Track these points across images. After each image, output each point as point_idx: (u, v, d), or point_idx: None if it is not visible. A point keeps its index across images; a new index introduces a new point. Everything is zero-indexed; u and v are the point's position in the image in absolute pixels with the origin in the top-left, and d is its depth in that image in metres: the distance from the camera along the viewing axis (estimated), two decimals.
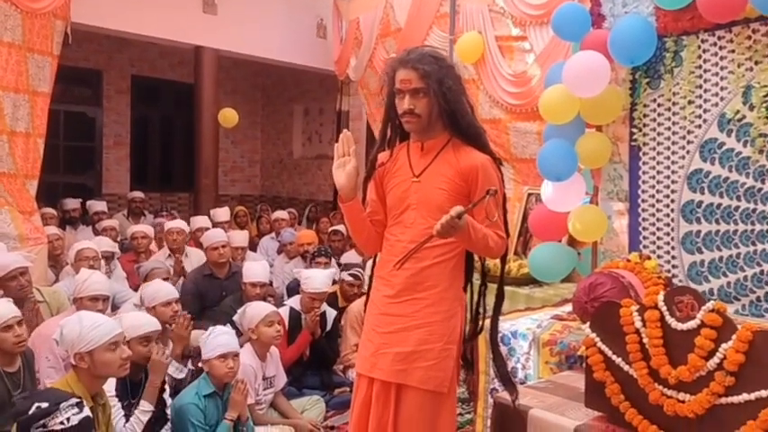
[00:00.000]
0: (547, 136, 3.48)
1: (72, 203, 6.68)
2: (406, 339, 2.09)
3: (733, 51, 2.83)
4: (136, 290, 4.49)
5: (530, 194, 4.46)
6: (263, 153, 11.05)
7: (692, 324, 1.67)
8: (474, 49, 4.82)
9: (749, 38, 2.77)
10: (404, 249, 2.10)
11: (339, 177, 2.08)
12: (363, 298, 2.51)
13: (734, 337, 1.59)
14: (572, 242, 3.70)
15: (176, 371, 3.34)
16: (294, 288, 4.60)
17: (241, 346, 3.32)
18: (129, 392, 2.84)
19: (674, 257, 3.06)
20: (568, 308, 2.89)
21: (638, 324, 1.78)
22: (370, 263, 2.68)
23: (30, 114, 4.85)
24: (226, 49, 7.34)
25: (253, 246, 6.64)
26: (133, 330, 2.72)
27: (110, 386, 2.67)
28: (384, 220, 2.23)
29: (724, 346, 1.60)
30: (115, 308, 4.06)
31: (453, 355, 2.15)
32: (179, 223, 5.41)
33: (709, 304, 1.65)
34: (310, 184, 9.99)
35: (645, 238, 3.17)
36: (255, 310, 3.46)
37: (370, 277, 2.35)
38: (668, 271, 3.04)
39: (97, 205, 6.78)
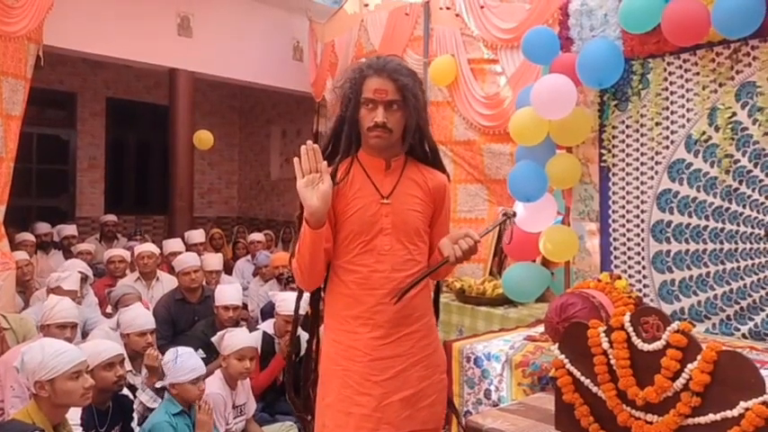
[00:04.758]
0: (518, 157, 3.51)
1: (43, 227, 6.57)
2: (407, 381, 1.89)
3: (698, 74, 2.89)
4: (106, 316, 4.41)
5: (504, 214, 4.47)
6: (241, 175, 11.01)
7: (657, 345, 1.67)
8: (447, 72, 4.86)
9: (713, 61, 2.83)
10: (385, 280, 1.88)
11: (311, 199, 1.75)
12: None
13: (699, 357, 1.59)
14: (545, 262, 3.72)
15: (150, 400, 3.26)
16: (268, 311, 4.54)
17: (211, 373, 3.26)
18: (97, 421, 2.77)
19: (645, 277, 3.09)
20: (541, 328, 2.88)
21: (606, 345, 1.77)
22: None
23: (3, 138, 4.77)
24: (201, 72, 7.33)
25: (228, 268, 6.58)
26: (95, 357, 2.66)
27: (75, 415, 2.60)
28: (332, 249, 1.92)
29: (689, 366, 1.60)
30: (85, 335, 3.98)
31: (447, 385, 2.05)
32: (149, 247, 5.32)
33: (674, 325, 1.65)
34: (288, 206, 9.95)
35: (616, 257, 3.20)
36: (231, 341, 3.32)
37: (316, 316, 2.08)
38: (639, 290, 3.06)
39: (67, 229, 6.68)
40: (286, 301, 3.95)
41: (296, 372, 2.20)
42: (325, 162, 1.80)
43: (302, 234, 1.83)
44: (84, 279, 4.79)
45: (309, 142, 1.80)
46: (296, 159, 1.78)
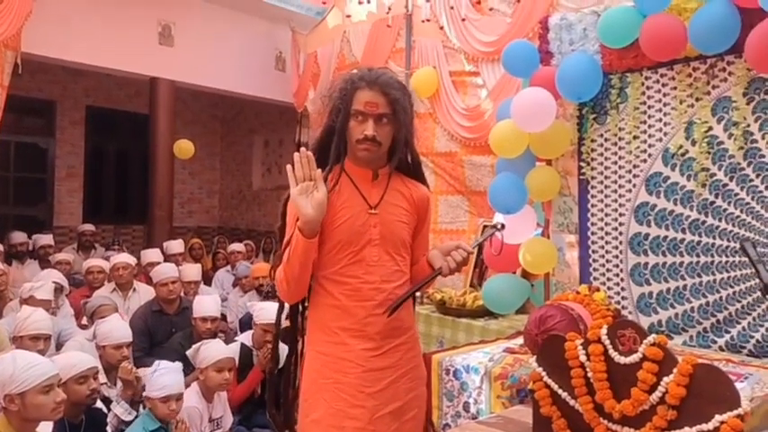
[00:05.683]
0: (498, 169, 3.52)
1: (19, 237, 6.46)
2: (396, 393, 1.90)
3: (675, 88, 2.92)
4: (82, 328, 4.34)
5: (485, 226, 4.48)
6: (222, 184, 10.95)
7: (634, 358, 1.66)
8: (429, 84, 4.88)
9: (690, 75, 2.87)
10: (375, 291, 1.87)
11: (306, 207, 1.72)
12: None
13: (675, 370, 1.59)
14: (525, 274, 3.72)
15: (125, 413, 3.21)
16: (247, 322, 4.50)
17: (188, 386, 3.22)
18: None
19: (623, 289, 3.10)
20: (520, 340, 2.88)
21: (583, 358, 1.77)
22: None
23: None
24: (182, 81, 7.29)
25: (208, 279, 6.52)
26: (68, 370, 2.61)
27: (47, 428, 2.54)
28: (316, 260, 1.87)
29: (666, 379, 1.60)
30: (60, 346, 3.91)
31: (427, 399, 2.06)
32: (124, 258, 5.23)
33: (651, 338, 1.65)
34: (269, 216, 9.90)
35: (595, 269, 3.21)
36: (208, 353, 3.29)
37: (295, 329, 2.05)
38: (618, 302, 3.07)
39: (43, 239, 6.56)
40: (264, 310, 3.91)
41: (277, 387, 2.14)
42: (319, 170, 1.78)
43: (294, 244, 1.78)
44: (59, 289, 4.71)
45: (303, 149, 1.77)
46: (289, 167, 1.75)
